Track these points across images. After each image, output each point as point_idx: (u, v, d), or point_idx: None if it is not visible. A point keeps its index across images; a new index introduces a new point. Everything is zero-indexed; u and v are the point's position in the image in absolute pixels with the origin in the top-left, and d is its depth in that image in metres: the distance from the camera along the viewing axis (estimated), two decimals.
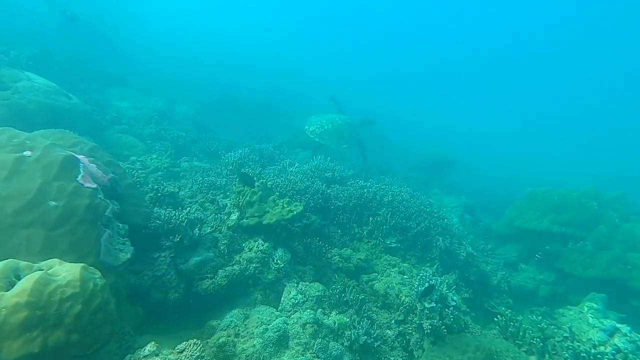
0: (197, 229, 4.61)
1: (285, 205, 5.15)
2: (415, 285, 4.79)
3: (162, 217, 4.42)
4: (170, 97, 13.17)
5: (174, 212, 4.57)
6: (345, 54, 40.82)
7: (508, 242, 8.47)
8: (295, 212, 5.07)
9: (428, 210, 6.93)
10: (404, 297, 4.93)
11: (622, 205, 7.82)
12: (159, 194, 5.66)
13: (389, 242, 6.37)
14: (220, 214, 5.33)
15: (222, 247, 4.77)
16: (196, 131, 10.65)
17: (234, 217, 5.12)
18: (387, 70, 41.35)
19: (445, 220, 6.88)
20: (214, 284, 4.49)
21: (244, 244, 4.95)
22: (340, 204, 6.67)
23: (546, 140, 30.52)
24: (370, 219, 6.54)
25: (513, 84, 44.48)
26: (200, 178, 7.01)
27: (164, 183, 6.55)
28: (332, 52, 39.88)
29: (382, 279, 5.52)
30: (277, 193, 5.32)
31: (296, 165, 7.78)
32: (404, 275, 5.53)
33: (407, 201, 7.04)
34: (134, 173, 6.38)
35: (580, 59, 40.34)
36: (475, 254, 6.43)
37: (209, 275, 4.54)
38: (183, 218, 4.47)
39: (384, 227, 6.40)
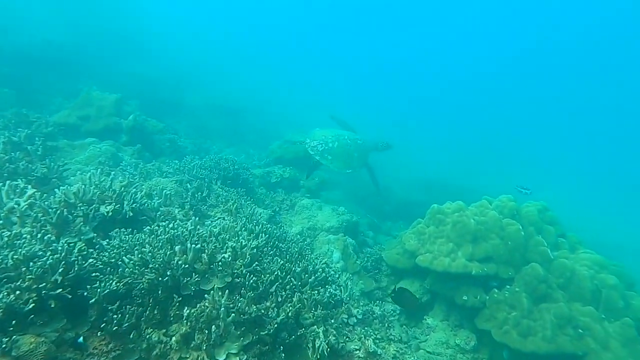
0: None
1: None
2: None
3: None
4: None
5: None
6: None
7: (406, 276, 6.18)
8: None
9: (297, 270, 3.96)
10: None
11: (547, 223, 5.85)
12: None
13: (223, 355, 3.18)
14: None
15: None
16: None
17: None
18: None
19: (328, 290, 4.00)
20: None
21: None
22: (118, 286, 3.13)
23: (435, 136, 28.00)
24: (186, 309, 3.21)
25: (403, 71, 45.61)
26: None
27: None
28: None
29: None
30: None
31: (32, 192, 3.73)
32: None
33: (262, 255, 3.93)
34: None
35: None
36: (378, 351, 3.78)
37: None
38: None
39: (215, 324, 3.17)
